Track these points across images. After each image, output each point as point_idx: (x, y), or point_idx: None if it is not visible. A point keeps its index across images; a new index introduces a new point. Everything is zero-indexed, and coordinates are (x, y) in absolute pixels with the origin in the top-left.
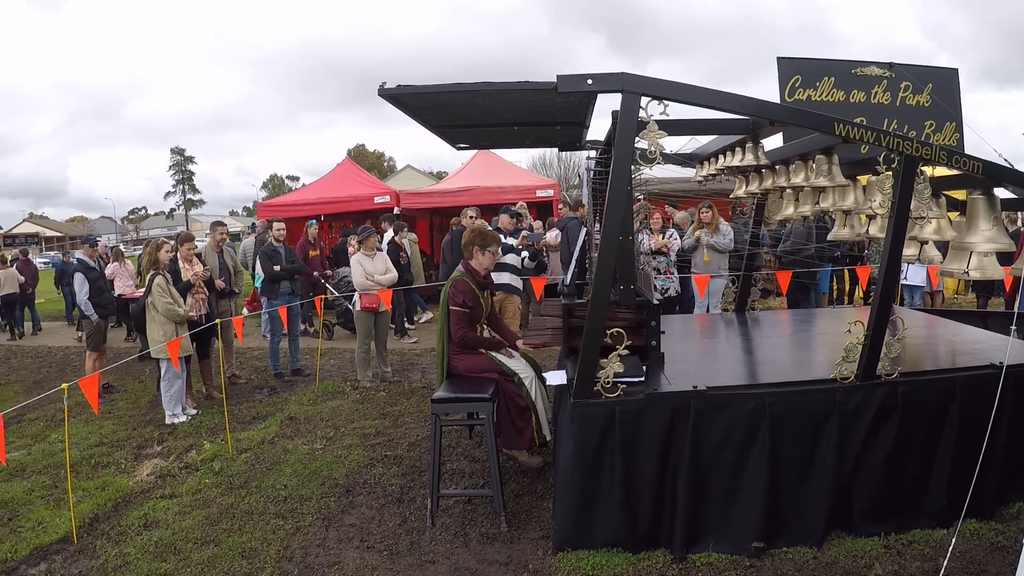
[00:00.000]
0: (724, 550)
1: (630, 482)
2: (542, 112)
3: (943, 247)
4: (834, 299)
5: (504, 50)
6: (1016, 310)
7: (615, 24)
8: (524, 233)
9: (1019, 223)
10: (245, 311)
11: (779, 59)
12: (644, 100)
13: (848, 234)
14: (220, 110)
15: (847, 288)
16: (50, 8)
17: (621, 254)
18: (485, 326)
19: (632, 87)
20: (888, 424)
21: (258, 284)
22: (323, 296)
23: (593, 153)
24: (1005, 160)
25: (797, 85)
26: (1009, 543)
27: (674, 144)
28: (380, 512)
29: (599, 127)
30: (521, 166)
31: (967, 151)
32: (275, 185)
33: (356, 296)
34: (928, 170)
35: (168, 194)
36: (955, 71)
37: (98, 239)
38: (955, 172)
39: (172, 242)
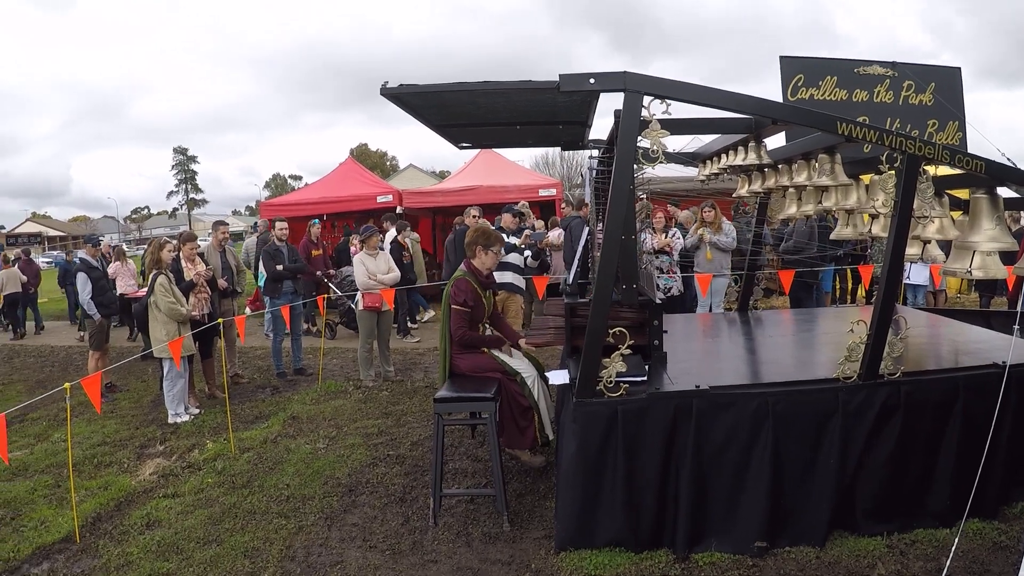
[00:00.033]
0: (727, 550)
1: (632, 482)
2: (544, 111)
3: (946, 246)
4: (837, 298)
5: (506, 49)
6: (1019, 309)
7: (617, 23)
8: (527, 232)
9: (1022, 222)
10: (248, 310)
11: (782, 58)
12: (647, 99)
13: (851, 233)
14: (223, 109)
15: (850, 287)
16: (52, 8)
17: (624, 253)
18: (488, 325)
19: (634, 86)
20: (891, 424)
21: (260, 283)
22: (326, 295)
23: (595, 152)
24: (1008, 159)
25: (800, 84)
26: (1012, 543)
27: (676, 143)
28: (383, 511)
29: (601, 126)
30: (524, 165)
31: (970, 150)
32: (278, 184)
33: (359, 295)
34: (931, 169)
35: (171, 193)
36: (958, 70)
37: (101, 238)
38: (958, 171)
39: (175, 241)
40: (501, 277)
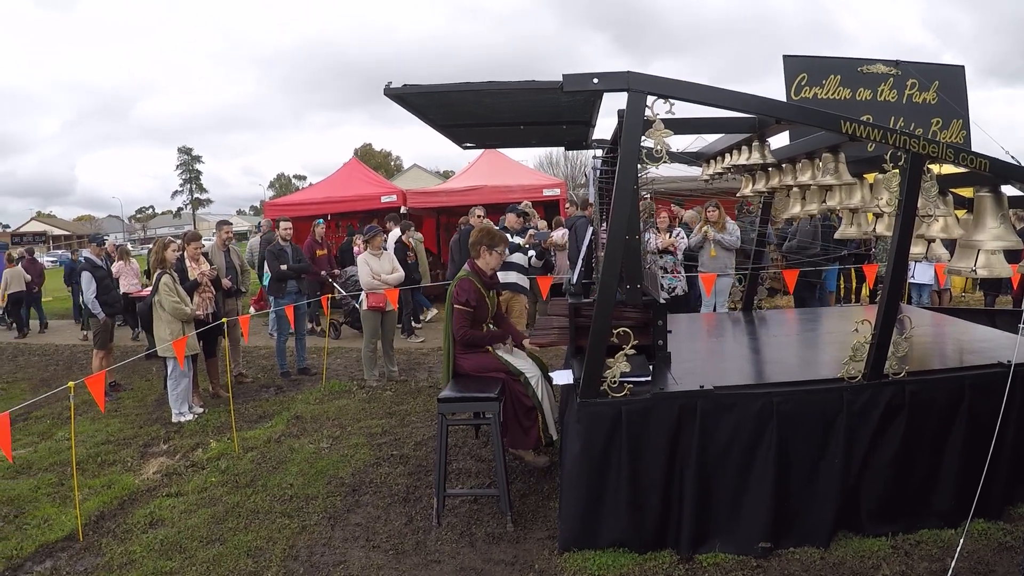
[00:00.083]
0: (731, 550)
1: (636, 482)
2: (548, 111)
3: (950, 245)
4: (841, 297)
5: (509, 49)
6: None
7: (620, 23)
8: (531, 232)
9: None
10: (252, 310)
11: (785, 57)
12: (650, 99)
13: (855, 232)
14: (227, 110)
15: (854, 286)
16: (57, 8)
17: (628, 253)
18: (491, 325)
19: (638, 86)
20: (895, 423)
21: (265, 283)
22: (330, 295)
23: (599, 152)
24: (1012, 157)
25: (803, 83)
26: (1017, 543)
27: (680, 143)
28: (386, 511)
29: (605, 126)
30: (528, 165)
31: (974, 148)
32: (282, 184)
33: (363, 295)
34: (935, 168)
35: (175, 193)
36: (961, 68)
37: (105, 238)
38: (962, 170)
39: (179, 241)
40: (505, 277)
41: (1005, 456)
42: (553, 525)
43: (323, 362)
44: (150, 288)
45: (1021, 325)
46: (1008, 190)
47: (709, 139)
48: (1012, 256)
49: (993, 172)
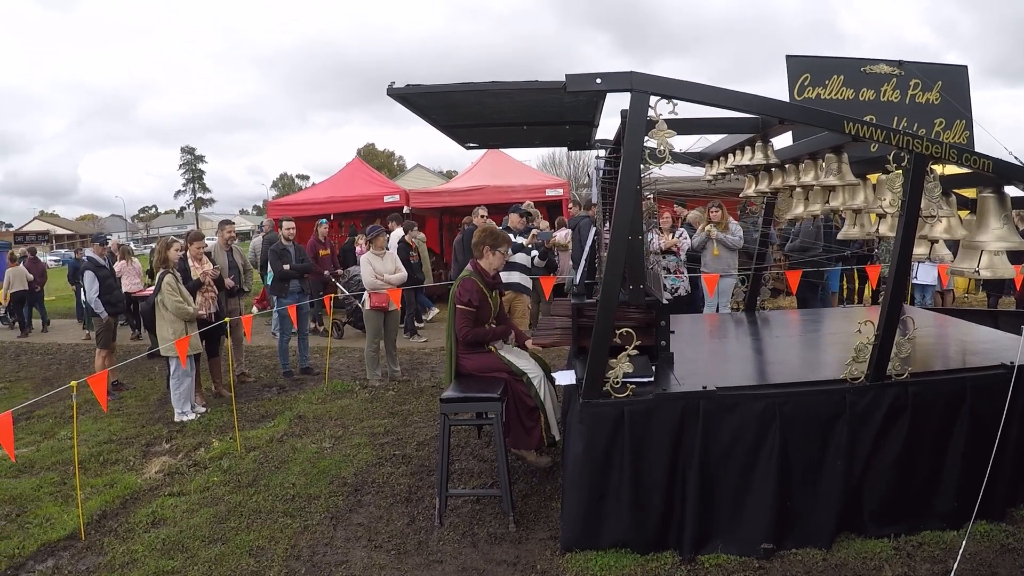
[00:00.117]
0: (733, 551)
1: (639, 483)
2: (551, 111)
3: (953, 246)
4: (844, 298)
5: (512, 49)
6: None
7: (623, 23)
8: (534, 232)
9: None
10: (255, 310)
11: (788, 57)
12: (653, 99)
13: (858, 233)
14: (230, 109)
15: (857, 287)
16: (60, 8)
17: (631, 253)
18: (493, 325)
19: (641, 86)
20: (898, 425)
21: (268, 282)
22: (333, 295)
23: (602, 152)
24: (1015, 158)
25: (806, 83)
26: (1020, 545)
27: (683, 143)
28: (388, 511)
29: (608, 126)
30: (531, 165)
31: (977, 149)
32: (285, 184)
33: (365, 295)
34: (938, 168)
35: (178, 193)
36: (965, 68)
37: (108, 237)
38: (965, 170)
39: (182, 241)
40: (508, 277)
41: (1008, 457)
42: (555, 525)
43: (326, 362)
44: (151, 287)
45: None
46: (1011, 191)
47: (712, 139)
48: (1015, 257)
49: (996, 173)
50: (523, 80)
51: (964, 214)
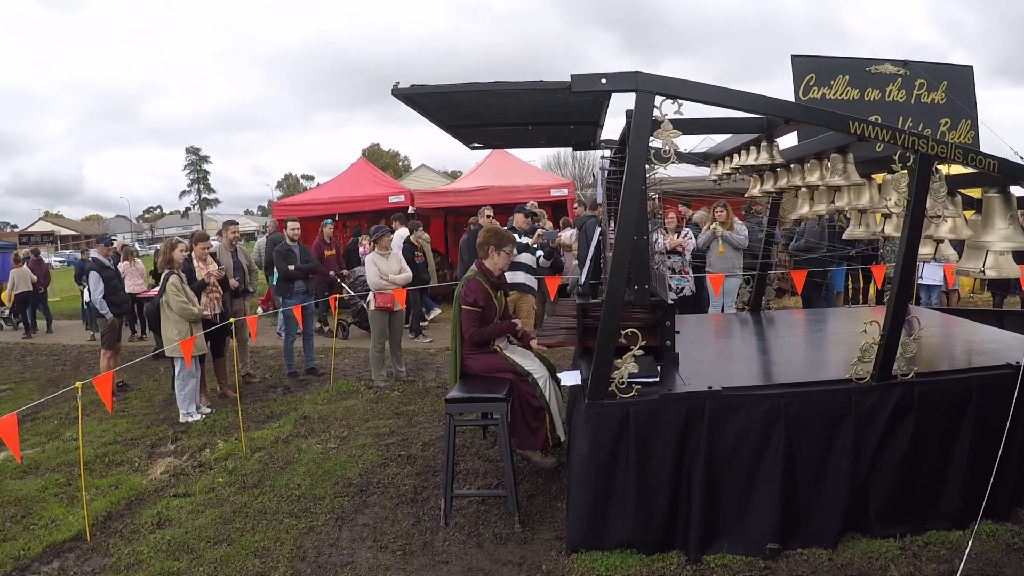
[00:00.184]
0: (739, 551)
1: (644, 483)
2: (556, 111)
3: (959, 246)
4: (849, 298)
5: (517, 49)
6: None
7: (628, 23)
8: (539, 232)
9: None
10: (260, 310)
11: (793, 57)
12: (658, 99)
13: (863, 233)
14: (235, 110)
15: (862, 287)
16: (65, 9)
17: (636, 254)
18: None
19: (646, 86)
20: (904, 425)
21: (273, 283)
22: (338, 295)
23: (607, 152)
24: (1021, 158)
25: (811, 83)
26: None
27: (688, 143)
28: (393, 512)
29: (613, 126)
30: (536, 165)
31: (982, 149)
32: (290, 184)
33: (370, 295)
34: (944, 168)
35: (183, 193)
36: (970, 68)
37: (113, 238)
38: (971, 170)
39: (186, 241)
40: (513, 277)
41: (1013, 457)
42: (561, 526)
43: (331, 362)
44: (155, 288)
45: None
46: (1017, 191)
47: (717, 139)
48: (1021, 257)
49: (1002, 173)
50: (528, 80)
51: (969, 214)
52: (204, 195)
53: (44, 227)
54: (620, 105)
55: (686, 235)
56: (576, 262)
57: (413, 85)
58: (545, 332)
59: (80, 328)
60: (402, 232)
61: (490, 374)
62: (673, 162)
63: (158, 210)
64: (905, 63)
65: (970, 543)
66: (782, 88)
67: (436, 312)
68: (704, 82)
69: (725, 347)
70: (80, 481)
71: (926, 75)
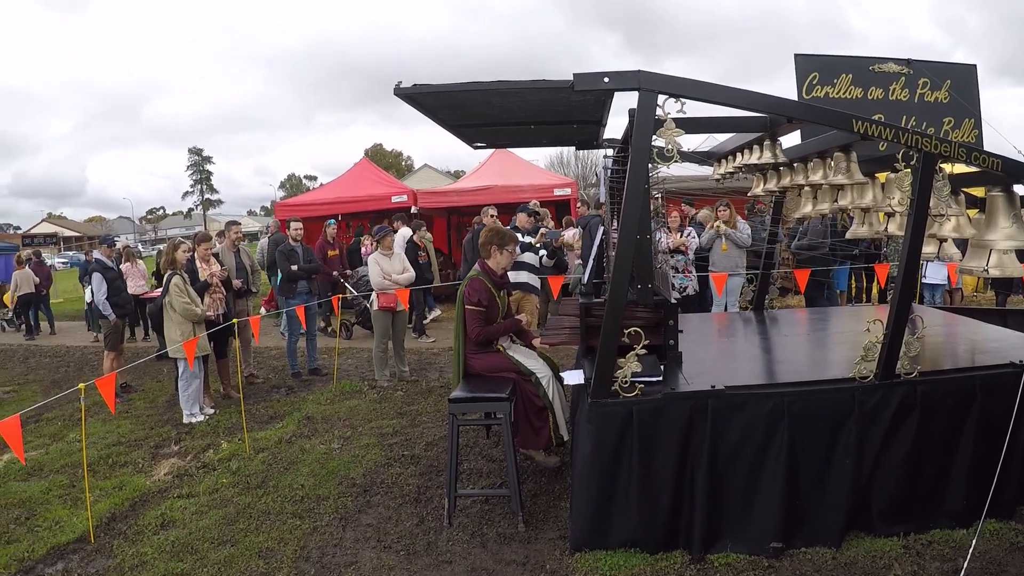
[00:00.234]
0: (742, 550)
1: (648, 482)
2: (559, 111)
3: (962, 245)
4: (852, 297)
5: (518, 49)
6: None
7: (631, 22)
8: (542, 231)
9: None
10: (263, 310)
11: (796, 56)
12: (661, 98)
13: (867, 232)
14: (237, 110)
15: (865, 286)
16: (65, 9)
17: (639, 253)
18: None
19: (649, 85)
20: (907, 423)
21: (276, 283)
22: (341, 295)
23: (610, 152)
24: None
25: (815, 82)
26: None
27: (691, 142)
28: (397, 512)
29: (616, 125)
30: (539, 165)
31: (986, 148)
32: (293, 185)
33: (374, 295)
34: (947, 167)
35: (186, 194)
36: (973, 67)
37: (116, 239)
38: (974, 169)
39: (189, 242)
40: (516, 277)
41: (1017, 456)
42: (564, 525)
43: (334, 362)
44: (157, 289)
45: None
46: (1021, 189)
47: (720, 138)
48: None
49: (1005, 171)
50: (531, 79)
51: (973, 213)
52: (207, 196)
53: (47, 228)
54: (623, 104)
55: (689, 234)
56: (579, 261)
57: (415, 85)
58: (548, 331)
59: (83, 330)
60: (405, 232)
61: (493, 374)
62: (676, 161)
63: (161, 211)
64: (908, 62)
65: (974, 542)
66: (784, 88)
67: (436, 313)
68: (707, 81)
69: (728, 346)
70: (84, 483)
71: (929, 74)
